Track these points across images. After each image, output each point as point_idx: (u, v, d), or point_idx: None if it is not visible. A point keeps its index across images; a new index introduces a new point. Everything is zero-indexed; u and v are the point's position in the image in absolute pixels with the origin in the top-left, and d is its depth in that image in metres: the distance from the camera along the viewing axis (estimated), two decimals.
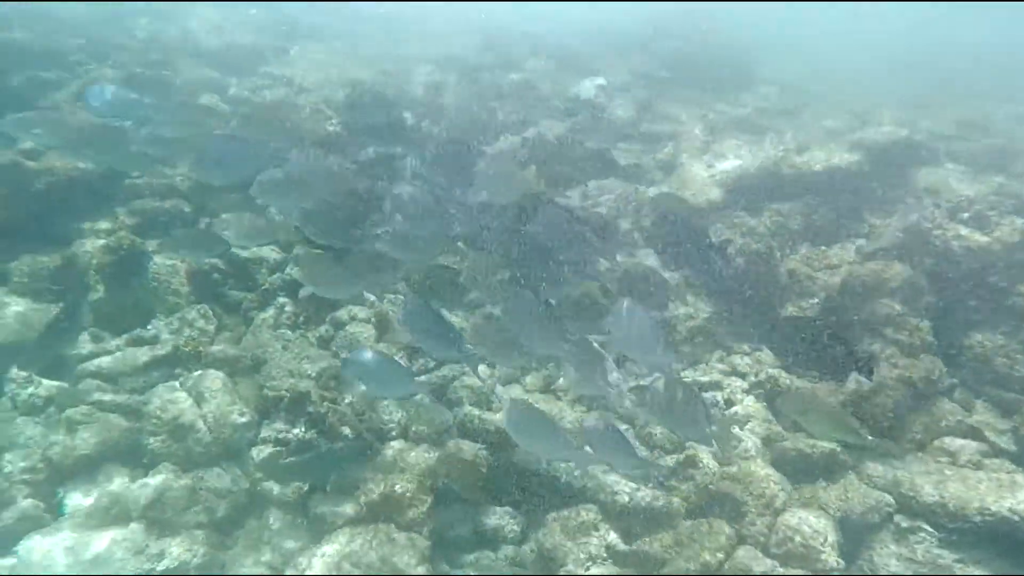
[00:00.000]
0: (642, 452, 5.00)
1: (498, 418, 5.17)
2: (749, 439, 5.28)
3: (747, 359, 5.87)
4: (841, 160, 7.05)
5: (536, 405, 4.59)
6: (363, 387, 4.61)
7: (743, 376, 5.80)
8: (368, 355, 4.32)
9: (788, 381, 5.58)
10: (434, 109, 8.29)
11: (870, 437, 4.62)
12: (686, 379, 5.54)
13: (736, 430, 5.30)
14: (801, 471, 5.13)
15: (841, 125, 8.75)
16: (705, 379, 5.69)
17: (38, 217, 6.03)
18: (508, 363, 5.60)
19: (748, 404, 5.48)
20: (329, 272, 4.81)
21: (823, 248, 6.28)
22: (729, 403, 5.55)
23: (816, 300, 5.86)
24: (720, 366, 5.91)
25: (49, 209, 6.04)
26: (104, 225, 6.13)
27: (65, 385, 5.08)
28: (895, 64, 14.43)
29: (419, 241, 4.90)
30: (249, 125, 5.89)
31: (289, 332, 5.76)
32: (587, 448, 4.24)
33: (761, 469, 4.99)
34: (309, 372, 5.33)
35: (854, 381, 5.02)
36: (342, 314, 5.87)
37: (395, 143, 6.10)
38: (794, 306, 5.89)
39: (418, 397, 5.26)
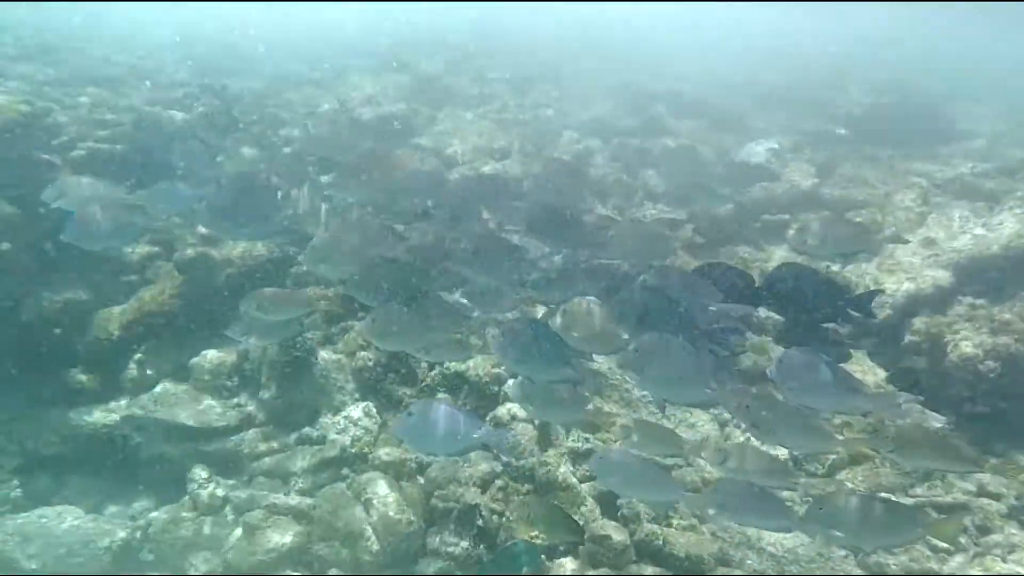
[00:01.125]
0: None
1: (684, 540, 4.77)
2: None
3: (1001, 477, 5.03)
4: None
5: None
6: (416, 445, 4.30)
7: (998, 498, 5.01)
8: (426, 407, 3.90)
9: None
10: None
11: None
12: (918, 498, 4.85)
13: (1001, 564, 4.52)
14: None
15: None
16: (945, 500, 4.95)
17: (217, 309, 6.45)
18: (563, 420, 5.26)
19: (1011, 533, 4.70)
20: (400, 324, 4.30)
21: None
22: (983, 531, 4.79)
23: None
24: (964, 484, 5.11)
25: (228, 300, 6.45)
26: None
27: (240, 485, 5.26)
28: None
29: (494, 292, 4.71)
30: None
31: None
32: (719, 510, 3.89)
33: None
34: (474, 479, 5.21)
35: None
36: (502, 412, 5.74)
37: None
38: None
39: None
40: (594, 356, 6.46)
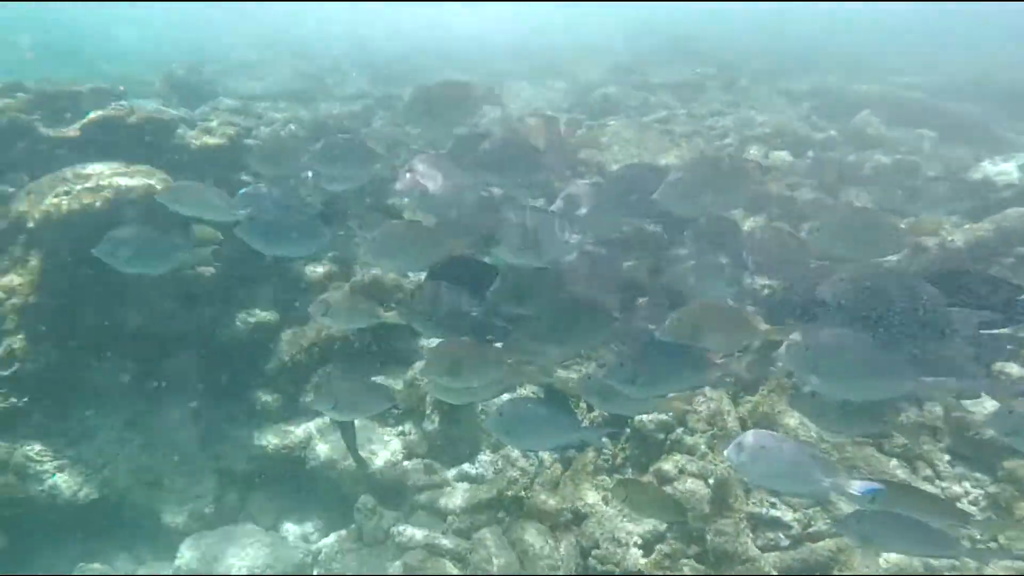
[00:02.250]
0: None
1: None
2: None
3: None
4: None
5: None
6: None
7: None
8: (516, 405, 3.60)
9: None
10: None
11: None
12: None
13: None
14: None
15: None
16: None
17: (387, 335, 6.67)
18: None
19: None
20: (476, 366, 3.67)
21: None
22: None
23: None
24: None
25: (397, 327, 6.62)
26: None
27: (401, 519, 5.37)
28: None
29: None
30: None
31: (608, 479, 5.40)
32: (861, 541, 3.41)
33: None
34: (636, 539, 4.87)
35: None
36: (668, 467, 5.30)
37: None
38: None
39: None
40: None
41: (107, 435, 5.91)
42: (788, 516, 4.95)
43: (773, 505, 5.01)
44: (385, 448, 5.77)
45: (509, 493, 5.42)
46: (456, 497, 5.43)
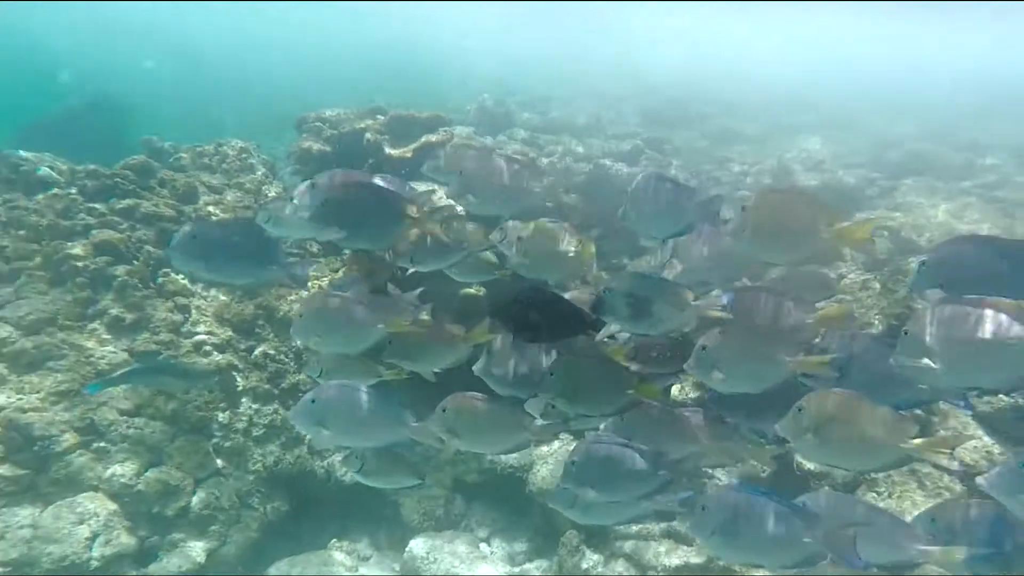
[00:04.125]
0: None
1: None
2: None
3: None
4: None
5: None
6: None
7: None
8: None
9: None
10: None
11: None
12: None
13: None
14: None
15: None
16: None
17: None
18: None
19: None
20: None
21: None
22: None
23: None
24: None
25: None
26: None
27: (602, 563, 5.23)
28: None
29: None
30: None
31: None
32: None
33: None
34: None
35: None
36: None
37: None
38: None
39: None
40: None
41: None
42: None
43: None
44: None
45: (720, 562, 4.94)
46: (659, 553, 5.11)
